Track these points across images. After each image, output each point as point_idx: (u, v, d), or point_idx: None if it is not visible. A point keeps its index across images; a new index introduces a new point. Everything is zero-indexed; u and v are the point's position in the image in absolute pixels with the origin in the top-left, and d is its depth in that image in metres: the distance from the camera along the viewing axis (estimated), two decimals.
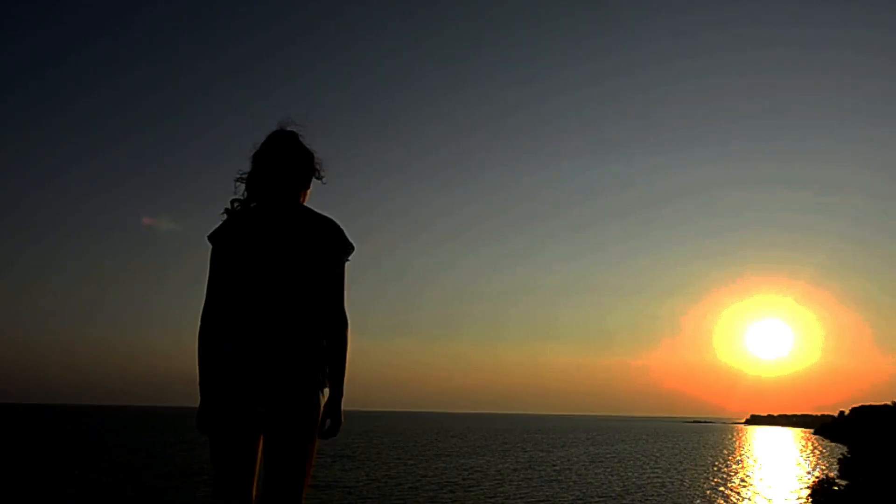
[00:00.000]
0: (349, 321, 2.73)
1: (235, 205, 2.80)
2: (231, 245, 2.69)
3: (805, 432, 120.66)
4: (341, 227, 2.76)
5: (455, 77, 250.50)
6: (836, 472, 32.35)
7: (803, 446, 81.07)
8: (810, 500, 29.17)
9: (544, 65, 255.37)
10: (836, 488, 28.33)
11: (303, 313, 2.64)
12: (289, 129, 2.83)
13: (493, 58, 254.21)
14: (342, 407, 2.77)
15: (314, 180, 2.85)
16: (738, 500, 33.15)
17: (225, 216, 2.80)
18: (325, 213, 2.81)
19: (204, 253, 2.88)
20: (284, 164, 2.75)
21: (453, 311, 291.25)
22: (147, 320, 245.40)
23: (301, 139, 2.82)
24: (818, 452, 66.07)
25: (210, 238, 2.75)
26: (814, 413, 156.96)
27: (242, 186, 2.81)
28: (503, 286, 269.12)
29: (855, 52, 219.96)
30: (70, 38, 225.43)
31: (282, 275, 2.63)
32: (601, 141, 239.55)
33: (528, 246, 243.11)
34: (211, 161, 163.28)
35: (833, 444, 68.17)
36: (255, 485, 2.71)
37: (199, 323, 2.73)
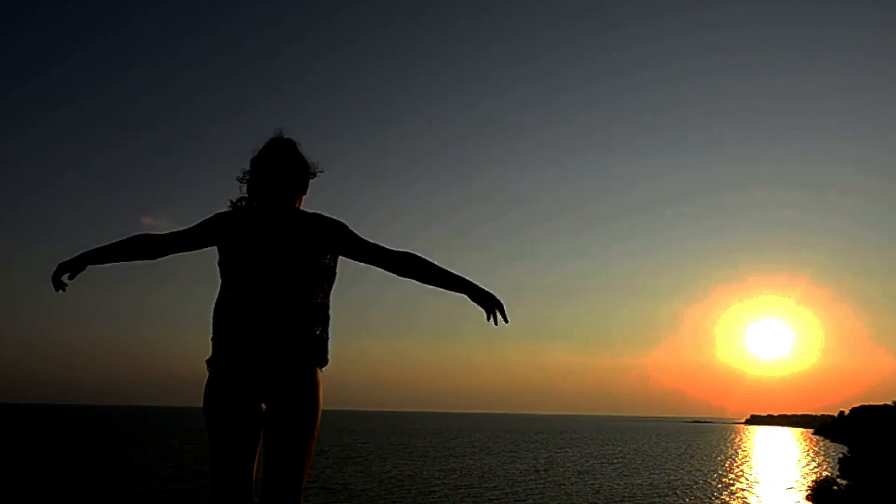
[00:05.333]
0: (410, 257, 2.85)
1: (241, 203, 2.95)
2: (231, 234, 2.81)
3: (805, 432, 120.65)
4: (329, 217, 2.88)
5: (456, 78, 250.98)
6: (836, 472, 32.36)
7: (803, 446, 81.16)
8: (810, 500, 29.21)
9: (546, 65, 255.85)
10: (836, 488, 28.38)
11: (292, 301, 2.73)
12: (286, 137, 2.97)
13: (494, 59, 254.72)
14: (484, 289, 2.82)
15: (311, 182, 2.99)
16: (738, 500, 33.19)
17: (230, 208, 2.95)
18: (321, 212, 2.92)
19: (204, 253, 2.93)
20: (281, 170, 2.90)
21: (454, 311, 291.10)
22: (147, 320, 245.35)
23: (298, 147, 2.96)
24: (818, 452, 66.13)
25: (214, 218, 2.87)
26: (814, 413, 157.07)
27: (244, 186, 2.95)
28: (504, 286, 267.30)
29: (855, 52, 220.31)
30: (70, 39, 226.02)
31: (273, 265, 2.75)
32: (601, 141, 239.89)
33: (528, 246, 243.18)
34: (210, 161, 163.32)
35: (833, 444, 68.15)
36: (252, 483, 2.74)
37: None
